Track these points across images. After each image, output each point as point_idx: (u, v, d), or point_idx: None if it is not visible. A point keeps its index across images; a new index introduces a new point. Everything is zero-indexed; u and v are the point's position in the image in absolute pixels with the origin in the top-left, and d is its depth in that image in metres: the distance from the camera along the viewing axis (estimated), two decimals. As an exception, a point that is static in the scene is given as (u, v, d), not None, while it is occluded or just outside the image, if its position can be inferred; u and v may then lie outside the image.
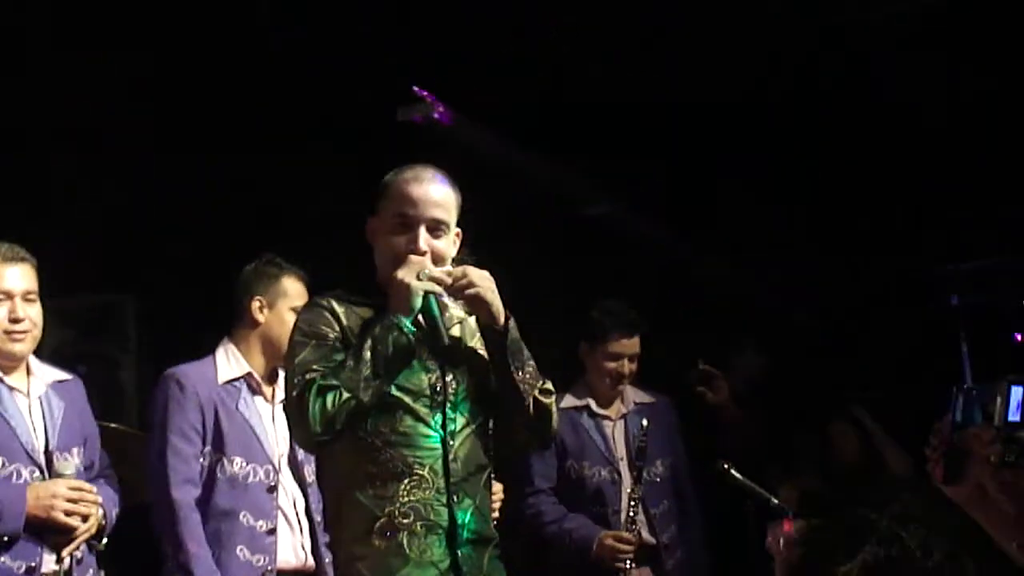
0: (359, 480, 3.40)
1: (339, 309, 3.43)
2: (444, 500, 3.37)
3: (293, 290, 4.48)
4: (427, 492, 3.36)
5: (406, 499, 3.35)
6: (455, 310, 3.53)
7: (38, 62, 5.23)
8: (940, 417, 2.65)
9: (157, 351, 5.61)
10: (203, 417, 4.31)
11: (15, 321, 4.06)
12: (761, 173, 6.30)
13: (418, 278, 3.34)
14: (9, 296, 4.06)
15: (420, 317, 3.36)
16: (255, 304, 4.47)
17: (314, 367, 3.33)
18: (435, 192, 3.45)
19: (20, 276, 4.10)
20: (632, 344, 5.28)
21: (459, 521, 3.38)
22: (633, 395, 5.36)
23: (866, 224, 6.45)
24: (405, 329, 3.30)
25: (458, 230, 3.54)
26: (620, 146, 6.14)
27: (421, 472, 3.36)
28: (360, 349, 3.29)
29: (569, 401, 5.27)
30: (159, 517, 4.25)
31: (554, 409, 3.54)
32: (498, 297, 3.40)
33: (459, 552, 3.37)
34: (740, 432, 5.53)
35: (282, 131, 5.74)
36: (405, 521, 3.34)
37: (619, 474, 5.18)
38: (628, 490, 5.11)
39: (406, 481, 3.35)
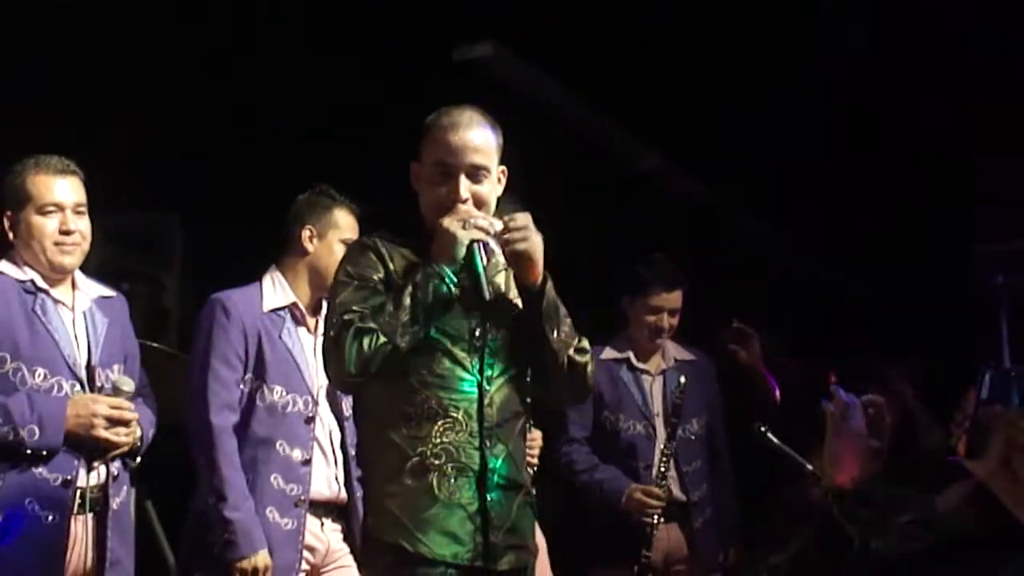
0: (393, 419, 3.41)
1: (384, 250, 3.43)
2: (476, 444, 3.37)
3: (344, 222, 4.48)
4: (460, 435, 3.36)
5: (438, 440, 3.35)
6: (499, 257, 3.49)
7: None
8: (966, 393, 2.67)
9: (202, 273, 5.60)
10: (246, 344, 4.31)
11: (66, 233, 4.06)
12: (812, 139, 6.27)
13: (464, 228, 3.31)
14: (60, 208, 4.07)
15: (463, 268, 3.34)
16: (306, 233, 4.46)
17: (354, 308, 3.33)
18: (473, 137, 3.42)
19: (71, 188, 4.10)
20: (673, 298, 5.27)
21: (490, 466, 3.38)
22: (674, 351, 5.37)
23: (916, 199, 6.42)
24: (447, 278, 3.29)
25: (502, 168, 3.51)
26: (671, 103, 6.12)
27: (455, 415, 3.37)
28: (401, 294, 3.29)
29: (609, 353, 5.29)
30: (196, 440, 4.27)
31: (589, 367, 3.53)
32: (537, 252, 3.36)
33: (488, 496, 3.37)
34: (769, 393, 5.53)
35: (339, 63, 5.72)
36: (436, 462, 3.35)
37: (654, 429, 5.20)
38: (661, 446, 5.12)
39: (440, 423, 3.36)
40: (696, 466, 5.26)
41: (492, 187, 3.46)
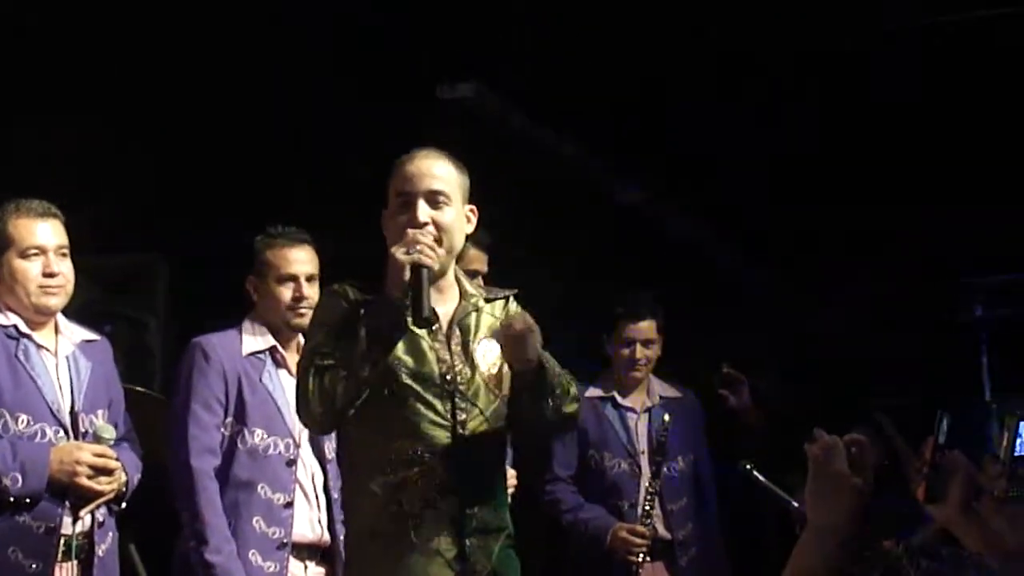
0: (370, 467, 3.43)
1: (352, 295, 3.43)
2: (454, 490, 3.37)
3: (278, 260, 4.45)
4: (436, 481, 3.36)
5: (414, 488, 3.35)
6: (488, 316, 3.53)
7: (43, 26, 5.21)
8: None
9: (186, 314, 5.60)
10: (226, 388, 4.32)
11: (49, 275, 4.07)
12: (789, 172, 6.28)
13: (407, 252, 3.31)
14: (43, 251, 4.07)
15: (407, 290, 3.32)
16: (249, 284, 4.50)
17: (319, 351, 3.36)
18: (430, 165, 3.45)
19: (53, 232, 4.11)
20: (644, 328, 5.31)
21: (467, 511, 3.38)
22: (659, 388, 5.38)
23: (896, 229, 6.44)
24: (396, 303, 3.30)
25: (470, 207, 3.53)
26: (654, 135, 6.13)
27: (430, 461, 3.37)
28: (356, 328, 3.30)
29: (594, 391, 5.30)
30: (177, 485, 4.27)
31: (578, 412, 3.56)
32: (538, 349, 3.37)
33: (467, 542, 3.37)
34: (760, 436, 5.53)
35: (324, 103, 5.73)
36: (413, 510, 3.35)
37: (639, 467, 5.21)
38: (646, 484, 5.12)
39: (415, 470, 3.36)
40: (682, 504, 5.25)
41: (456, 219, 3.47)
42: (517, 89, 6.01)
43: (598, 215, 6.42)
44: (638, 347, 5.29)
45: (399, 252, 3.31)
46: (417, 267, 3.29)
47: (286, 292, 4.39)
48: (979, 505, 2.54)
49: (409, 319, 3.31)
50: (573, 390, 3.53)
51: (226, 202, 5.60)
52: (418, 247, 3.30)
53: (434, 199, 3.43)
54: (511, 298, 3.64)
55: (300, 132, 5.80)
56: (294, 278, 4.41)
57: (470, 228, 3.54)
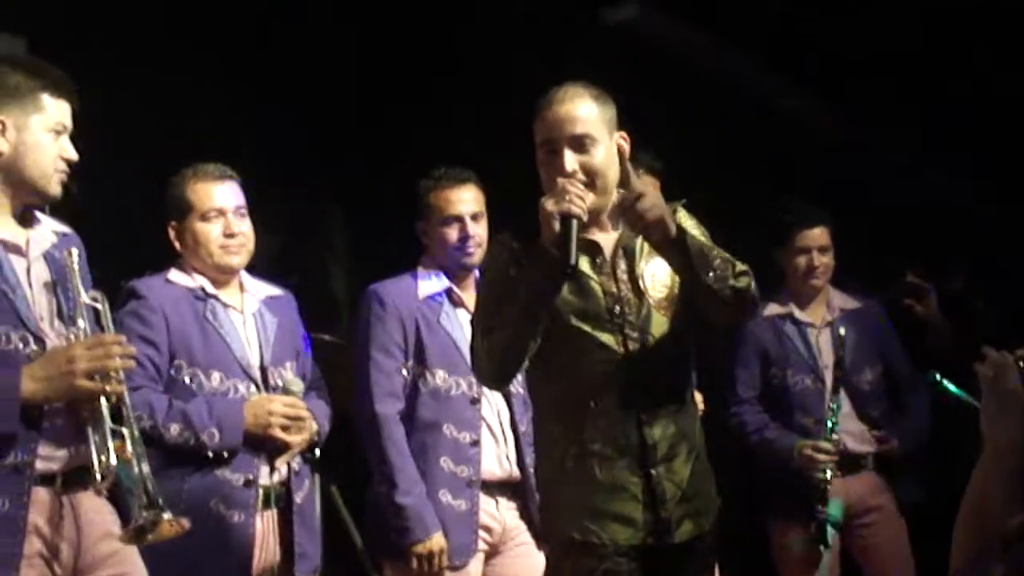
0: (550, 410, 3.46)
1: (515, 244, 3.41)
2: (633, 423, 3.36)
3: (439, 202, 4.48)
4: (614, 417, 3.36)
5: (593, 426, 3.36)
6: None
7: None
8: None
9: (368, 259, 5.69)
10: (404, 331, 4.39)
11: (230, 236, 4.17)
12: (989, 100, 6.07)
13: (555, 203, 3.24)
14: (222, 213, 4.18)
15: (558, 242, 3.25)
16: (419, 230, 4.53)
17: (488, 308, 3.37)
18: (570, 108, 3.36)
19: (230, 193, 4.21)
20: (817, 235, 5.21)
21: (649, 442, 3.37)
22: (840, 301, 5.27)
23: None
24: (549, 257, 3.23)
25: (621, 134, 3.44)
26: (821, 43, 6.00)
27: (607, 398, 3.36)
28: (516, 283, 3.29)
29: (772, 309, 5.22)
30: (364, 431, 4.37)
31: (752, 286, 3.42)
32: (664, 214, 3.27)
33: (653, 472, 3.37)
34: (951, 345, 5.41)
35: (492, 31, 5.74)
36: (594, 447, 3.36)
37: (823, 382, 5.11)
38: (828, 399, 5.07)
39: (592, 407, 3.36)
40: (880, 412, 5.19)
41: (607, 156, 3.39)
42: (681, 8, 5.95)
43: (763, 127, 6.31)
44: (815, 254, 5.20)
45: (548, 203, 3.26)
46: (566, 218, 3.23)
47: (452, 233, 4.43)
48: None
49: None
50: (740, 265, 3.41)
51: (398, 147, 5.67)
52: (567, 198, 3.24)
53: (579, 143, 3.35)
54: (678, 208, 3.51)
55: (465, 72, 5.81)
56: (459, 218, 4.44)
57: (624, 157, 3.46)
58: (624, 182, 3.43)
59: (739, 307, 3.41)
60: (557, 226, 3.23)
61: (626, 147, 3.46)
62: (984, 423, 2.64)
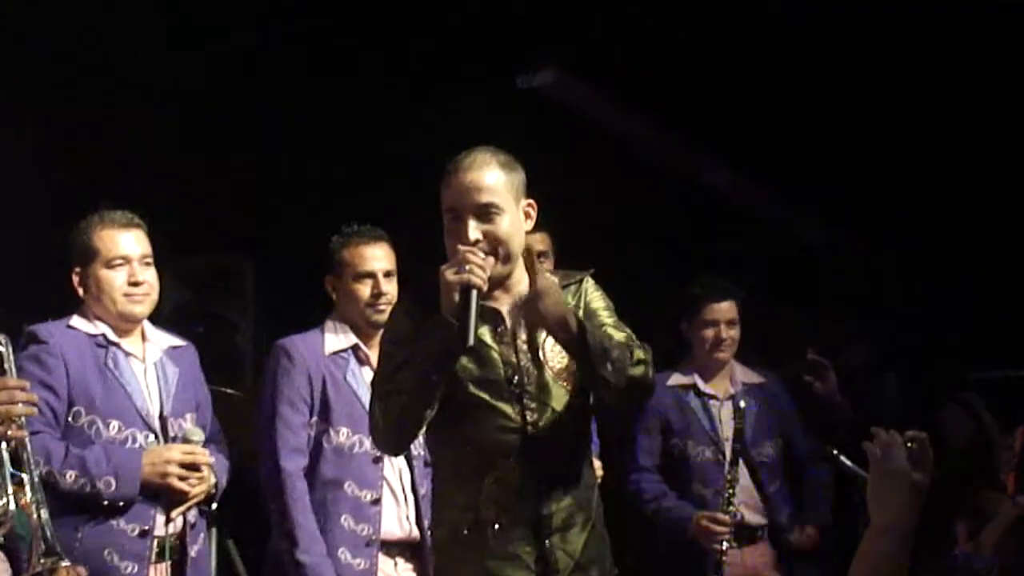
0: (447, 474, 3.46)
1: (413, 311, 3.39)
2: (530, 493, 3.35)
3: (353, 258, 4.48)
4: (511, 486, 3.34)
5: (489, 494, 3.34)
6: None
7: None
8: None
9: (275, 314, 5.67)
10: (311, 387, 4.37)
11: (135, 284, 4.15)
12: (880, 159, 6.21)
13: (455, 272, 3.22)
14: (127, 261, 4.15)
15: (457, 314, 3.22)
16: (328, 284, 4.54)
17: (385, 375, 3.35)
18: (477, 177, 3.33)
19: (136, 241, 4.19)
20: (726, 309, 5.27)
21: (544, 512, 3.35)
22: (742, 375, 5.33)
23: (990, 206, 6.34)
24: (448, 328, 3.20)
25: (528, 202, 3.42)
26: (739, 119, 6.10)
27: (504, 467, 3.34)
28: (414, 351, 3.27)
29: (676, 379, 5.27)
30: (267, 485, 4.34)
31: (649, 373, 3.42)
32: (565, 314, 3.31)
33: (547, 543, 3.35)
34: (848, 421, 5.48)
35: (401, 102, 5.77)
36: (489, 515, 3.34)
37: (723, 455, 5.14)
38: (726, 471, 5.10)
39: (489, 477, 3.35)
40: (776, 487, 5.22)
41: (512, 225, 3.36)
42: (597, 76, 6.01)
43: (675, 201, 6.40)
44: (723, 327, 5.25)
45: (448, 273, 3.24)
46: (466, 289, 3.21)
47: (364, 289, 4.44)
48: None
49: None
50: (639, 353, 3.40)
51: (310, 202, 5.67)
52: (467, 267, 3.22)
53: (484, 212, 3.33)
54: (585, 280, 3.51)
55: (380, 130, 5.83)
56: (371, 275, 4.44)
57: (530, 224, 3.44)
58: (530, 275, 3.41)
59: (632, 395, 3.42)
60: (457, 296, 3.21)
61: (533, 214, 3.45)
62: (870, 501, 2.68)
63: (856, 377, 5.82)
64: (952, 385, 5.79)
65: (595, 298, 3.49)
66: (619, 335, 3.43)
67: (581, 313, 3.43)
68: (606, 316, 3.48)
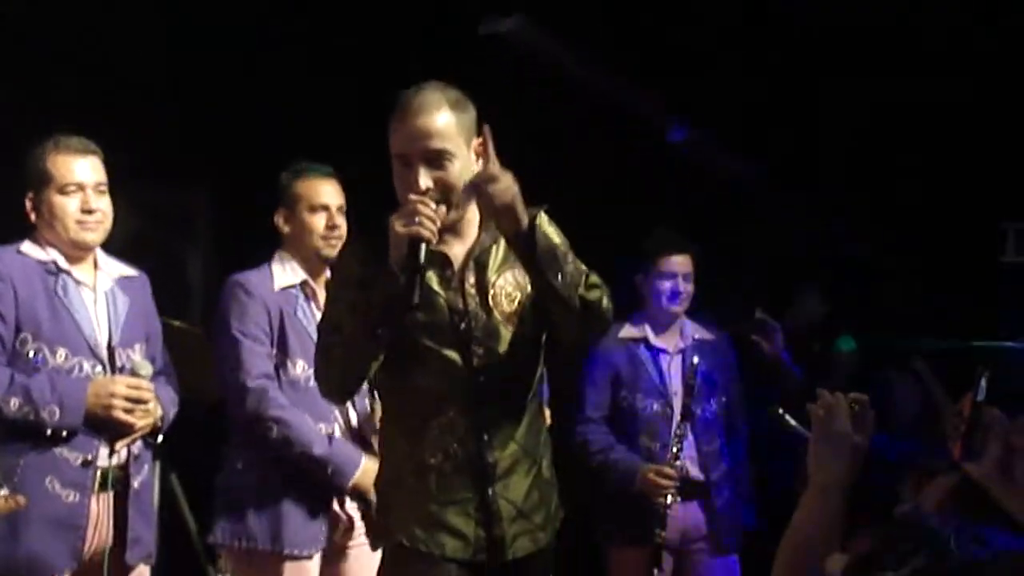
0: (392, 417, 3.42)
1: (364, 253, 3.28)
2: (473, 439, 3.31)
3: (307, 191, 4.46)
4: (456, 432, 3.30)
5: (435, 440, 3.30)
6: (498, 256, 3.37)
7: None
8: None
9: (227, 249, 5.64)
10: (269, 319, 4.35)
11: (88, 212, 4.10)
12: (843, 104, 6.22)
13: (404, 225, 3.11)
14: (81, 188, 4.10)
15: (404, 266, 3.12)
16: (279, 217, 4.50)
17: (330, 323, 3.28)
18: (425, 122, 3.20)
19: (91, 168, 4.14)
20: (683, 262, 5.25)
21: (489, 460, 3.32)
22: (693, 330, 5.34)
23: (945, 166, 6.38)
24: (394, 282, 3.11)
25: (480, 140, 3.25)
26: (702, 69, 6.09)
27: (449, 412, 3.30)
28: (362, 296, 3.17)
29: (627, 332, 5.26)
30: (244, 414, 4.28)
31: (604, 301, 3.32)
32: (516, 201, 3.14)
33: (489, 490, 3.32)
34: (793, 381, 5.52)
35: (365, 40, 5.72)
36: (432, 462, 3.30)
37: (672, 408, 5.16)
38: (675, 425, 5.13)
39: (434, 422, 3.30)
40: (715, 446, 5.23)
41: (464, 168, 3.24)
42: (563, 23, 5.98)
43: (637, 153, 6.39)
44: (680, 280, 5.25)
45: (397, 224, 3.12)
46: (415, 241, 3.10)
47: (318, 221, 4.41)
48: (1017, 464, 2.54)
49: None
50: (593, 277, 3.30)
51: (265, 136, 5.62)
52: (417, 219, 3.11)
53: (435, 159, 3.21)
54: (540, 215, 3.28)
55: (338, 67, 5.79)
56: (326, 207, 4.42)
57: (477, 164, 3.28)
58: (483, 164, 3.25)
59: (587, 321, 3.30)
60: (405, 249, 3.11)
61: (487, 152, 3.24)
62: (811, 462, 2.70)
63: (809, 337, 5.84)
64: (900, 352, 5.82)
65: (550, 231, 3.31)
66: (573, 257, 3.31)
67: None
68: (560, 242, 3.33)
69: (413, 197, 3.16)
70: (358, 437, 4.41)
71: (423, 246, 3.11)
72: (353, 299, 3.20)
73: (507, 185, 3.15)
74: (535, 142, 5.21)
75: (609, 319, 3.40)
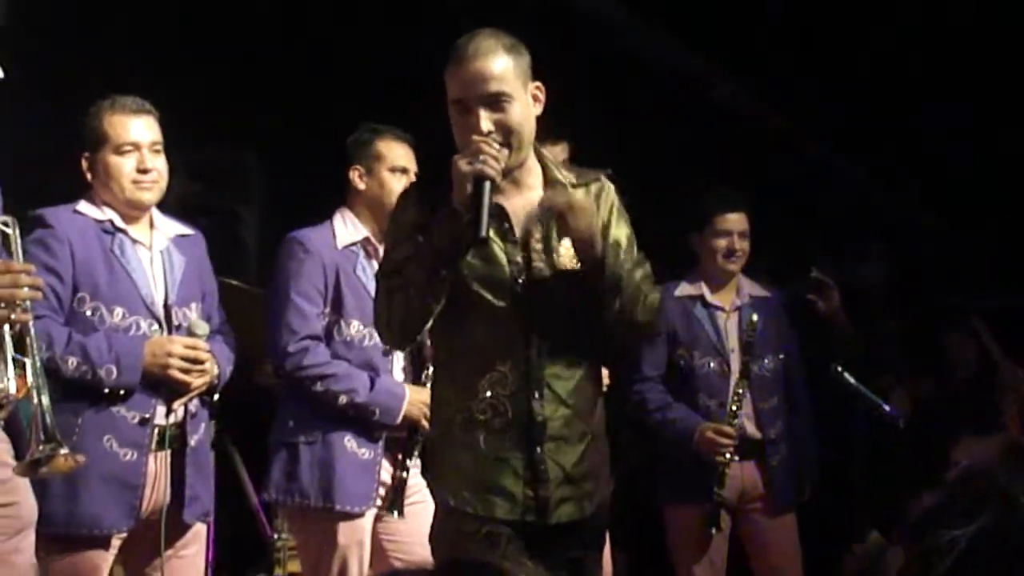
0: (445, 371, 3.41)
1: (423, 196, 3.31)
2: (524, 397, 3.28)
3: (389, 152, 4.51)
4: (507, 389, 3.27)
5: (485, 395, 3.28)
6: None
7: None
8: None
9: (281, 208, 5.65)
10: (325, 279, 4.37)
11: (143, 171, 4.10)
12: (897, 70, 6.15)
13: (469, 164, 3.13)
14: (137, 147, 4.10)
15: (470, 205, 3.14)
16: (354, 174, 4.51)
17: (391, 268, 3.28)
18: (483, 65, 3.20)
19: (146, 127, 4.14)
20: (738, 220, 5.21)
21: (539, 419, 3.29)
22: (749, 288, 5.28)
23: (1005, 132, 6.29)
24: (458, 220, 3.13)
25: (536, 84, 3.29)
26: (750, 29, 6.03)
27: (502, 368, 3.27)
28: (423, 240, 3.18)
29: (683, 290, 5.22)
30: (286, 370, 4.34)
31: (653, 323, 3.41)
32: (595, 232, 3.25)
33: (537, 450, 3.29)
34: (851, 340, 5.46)
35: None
36: (482, 418, 3.28)
37: (728, 366, 5.11)
38: (734, 383, 5.10)
39: (487, 376, 3.27)
40: (772, 403, 5.18)
41: (523, 112, 3.24)
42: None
43: (688, 112, 6.34)
44: (736, 238, 5.20)
45: (462, 163, 3.14)
46: (479, 180, 3.11)
47: (399, 183, 4.41)
48: None
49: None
50: (652, 297, 3.37)
51: (318, 97, 5.62)
52: (482, 158, 3.12)
53: (494, 102, 3.21)
54: (603, 178, 3.41)
55: (386, 21, 5.77)
56: (405, 171, 4.48)
57: (539, 108, 3.31)
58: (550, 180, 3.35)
59: (628, 336, 3.42)
60: (470, 187, 3.12)
61: (542, 97, 3.32)
62: None
63: (867, 298, 5.79)
64: (957, 310, 5.76)
65: (621, 223, 3.38)
66: (638, 272, 3.36)
67: (603, 216, 3.36)
68: (628, 247, 3.38)
69: (476, 138, 3.17)
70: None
71: (487, 184, 3.12)
72: (415, 243, 3.21)
73: (589, 222, 3.24)
74: (594, 102, 5.17)
75: (653, 334, 3.59)
